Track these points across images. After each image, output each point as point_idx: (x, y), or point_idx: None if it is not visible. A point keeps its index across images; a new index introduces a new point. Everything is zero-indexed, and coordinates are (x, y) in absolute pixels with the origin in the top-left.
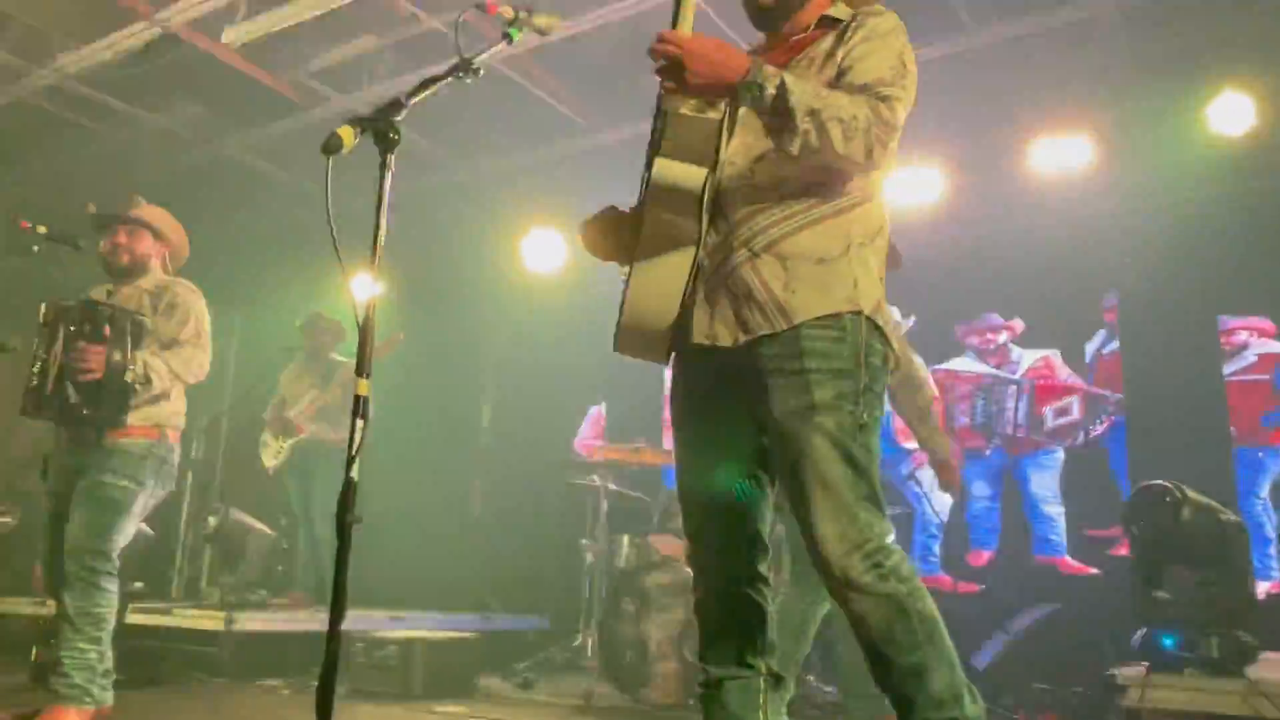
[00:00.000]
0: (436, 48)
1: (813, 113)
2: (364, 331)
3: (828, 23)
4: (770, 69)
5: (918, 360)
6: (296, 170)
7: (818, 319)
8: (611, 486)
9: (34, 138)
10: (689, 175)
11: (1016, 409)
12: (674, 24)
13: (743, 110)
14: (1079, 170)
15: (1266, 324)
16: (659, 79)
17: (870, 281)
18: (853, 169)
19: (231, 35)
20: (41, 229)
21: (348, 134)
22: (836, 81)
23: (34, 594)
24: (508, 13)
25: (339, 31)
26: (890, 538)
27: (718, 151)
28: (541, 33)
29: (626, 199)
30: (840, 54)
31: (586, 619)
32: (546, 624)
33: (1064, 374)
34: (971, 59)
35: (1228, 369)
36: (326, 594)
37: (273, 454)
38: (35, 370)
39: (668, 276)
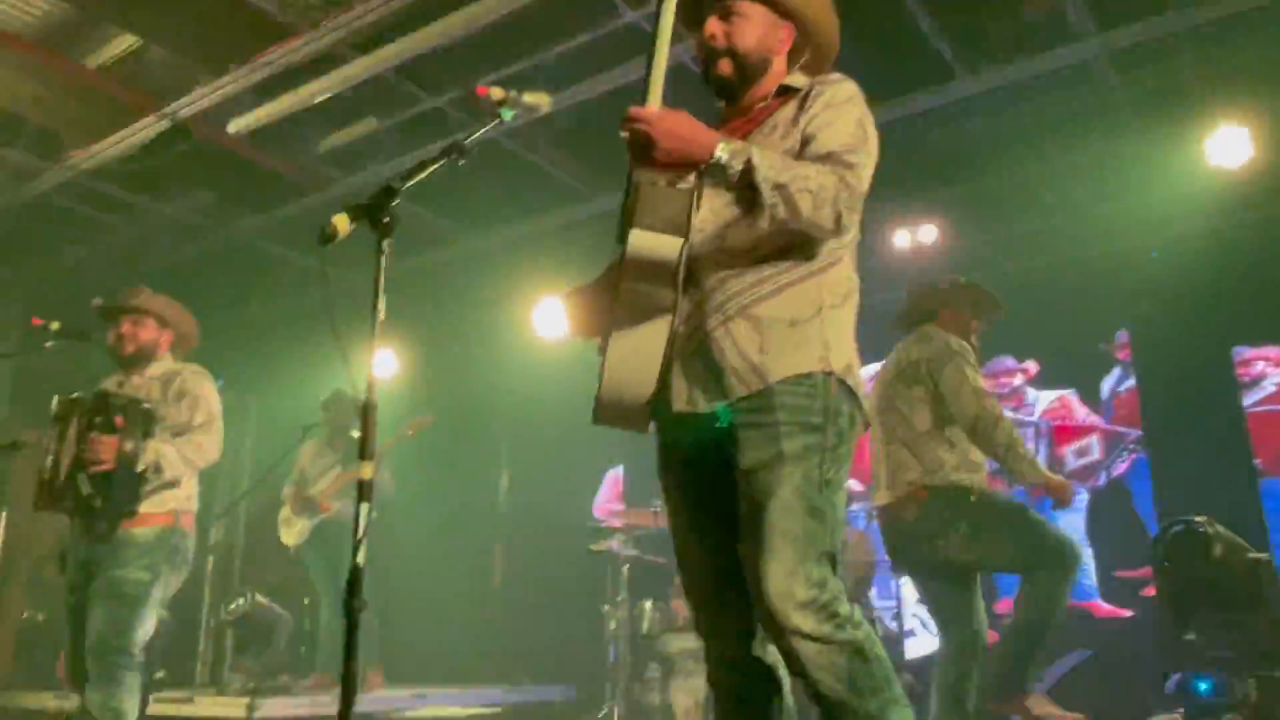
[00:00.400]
0: (439, 126)
1: (779, 186)
2: (367, 413)
3: (786, 91)
4: (738, 145)
5: (956, 371)
6: (306, 251)
7: (790, 377)
8: (631, 551)
9: (48, 234)
10: (664, 246)
11: (1036, 451)
12: (644, 98)
13: None
14: (1084, 209)
15: None
16: (628, 154)
17: (841, 343)
18: (823, 235)
19: (238, 124)
20: (53, 325)
21: (342, 222)
22: (800, 149)
23: (57, 687)
24: (496, 94)
25: (342, 115)
26: (841, 592)
27: (690, 221)
28: (532, 111)
29: None
30: (802, 122)
31: (613, 687)
32: (573, 693)
33: (1081, 414)
34: (966, 105)
35: (1247, 400)
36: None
37: (295, 533)
38: (48, 464)
39: (644, 347)
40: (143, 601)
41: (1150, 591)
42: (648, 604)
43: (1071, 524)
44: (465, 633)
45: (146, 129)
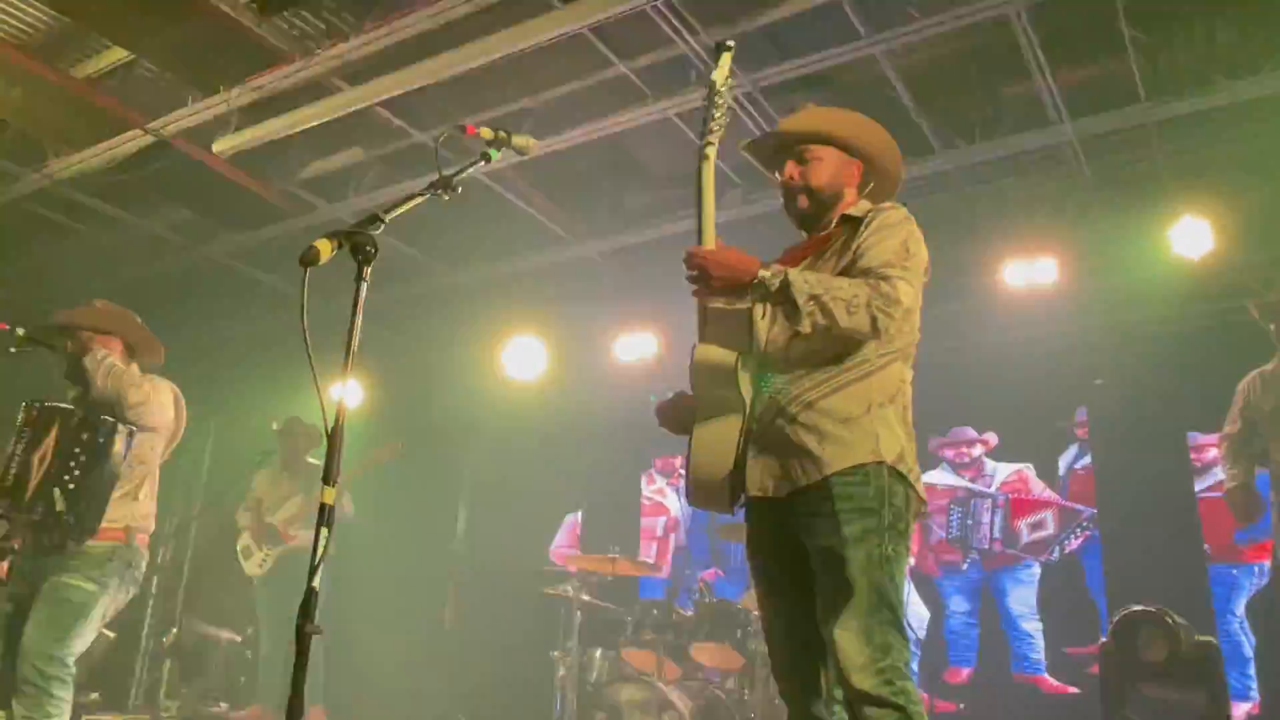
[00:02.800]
0: (422, 160)
1: (814, 297)
2: (333, 438)
3: (847, 220)
4: (777, 268)
5: None
6: (279, 275)
7: (844, 469)
8: (585, 597)
9: (20, 239)
10: (723, 356)
11: (993, 523)
12: (699, 240)
13: None
14: (1047, 288)
15: None
16: (691, 285)
17: (891, 435)
18: (865, 338)
19: (222, 145)
20: (19, 330)
21: (325, 247)
22: (850, 266)
23: None
24: (486, 134)
25: (327, 143)
26: (905, 661)
27: (751, 335)
28: (519, 153)
29: (604, 308)
30: (855, 245)
31: None
32: None
33: (1038, 488)
34: (940, 181)
35: (1198, 485)
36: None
37: (257, 563)
38: (11, 471)
39: (721, 438)
40: (85, 611)
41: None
42: (598, 652)
43: (1022, 597)
44: (412, 670)
45: (129, 143)
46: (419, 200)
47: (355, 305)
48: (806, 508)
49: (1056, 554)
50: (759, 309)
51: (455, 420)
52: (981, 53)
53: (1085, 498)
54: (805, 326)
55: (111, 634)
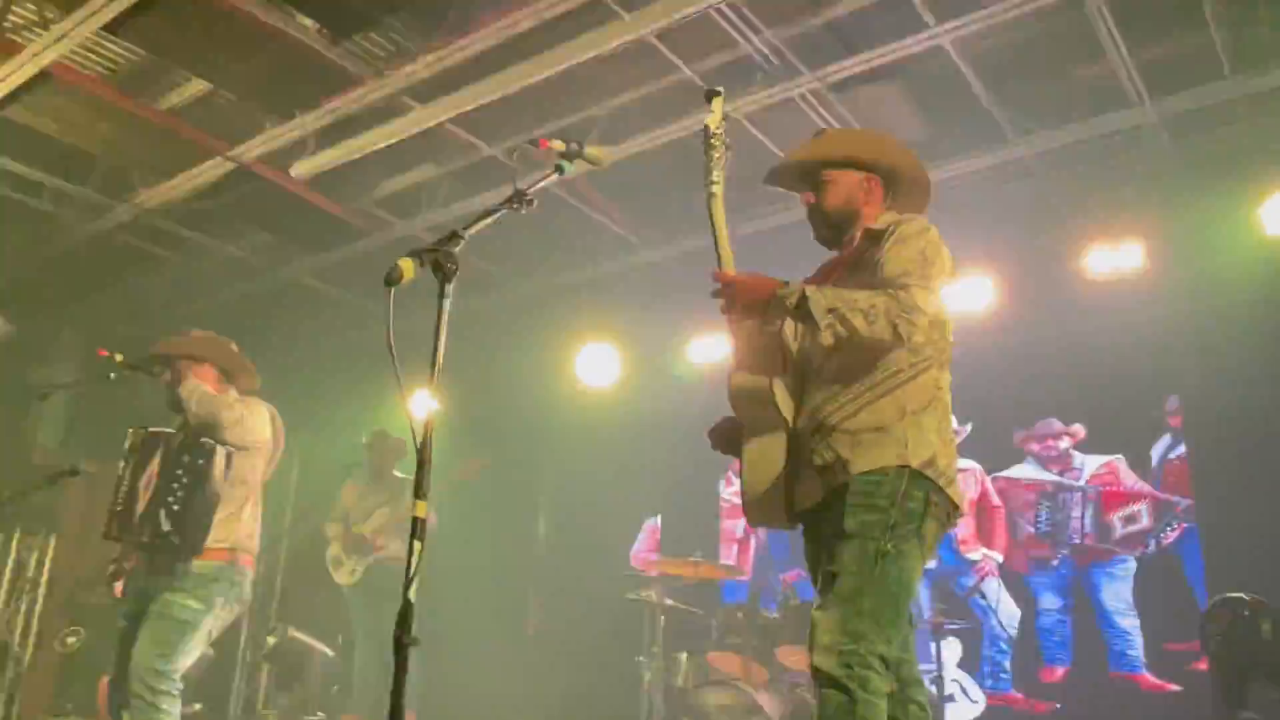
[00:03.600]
0: (492, 174)
1: (832, 310)
2: (422, 452)
3: (870, 234)
4: (796, 285)
5: None
6: (358, 293)
7: (866, 471)
8: (668, 602)
9: (112, 269)
10: (756, 382)
11: (1083, 517)
12: (719, 264)
13: None
14: (1133, 274)
15: None
16: (719, 306)
17: (922, 441)
18: (888, 346)
19: (300, 168)
20: (118, 357)
21: (408, 266)
22: (873, 281)
23: (97, 715)
24: (559, 146)
25: (399, 161)
26: (880, 654)
27: (784, 355)
28: (594, 164)
29: (677, 312)
30: (877, 258)
31: None
32: None
33: (1130, 480)
34: (1018, 169)
35: None
36: (381, 716)
37: (347, 572)
38: (122, 494)
39: (768, 457)
40: (191, 628)
41: (1200, 665)
42: (683, 656)
43: (1117, 593)
44: (498, 678)
45: (212, 170)
46: (497, 215)
47: (439, 322)
48: (830, 508)
49: (1152, 547)
50: (789, 329)
51: (532, 429)
52: (1054, 35)
53: (1181, 488)
54: (827, 339)
55: (211, 651)
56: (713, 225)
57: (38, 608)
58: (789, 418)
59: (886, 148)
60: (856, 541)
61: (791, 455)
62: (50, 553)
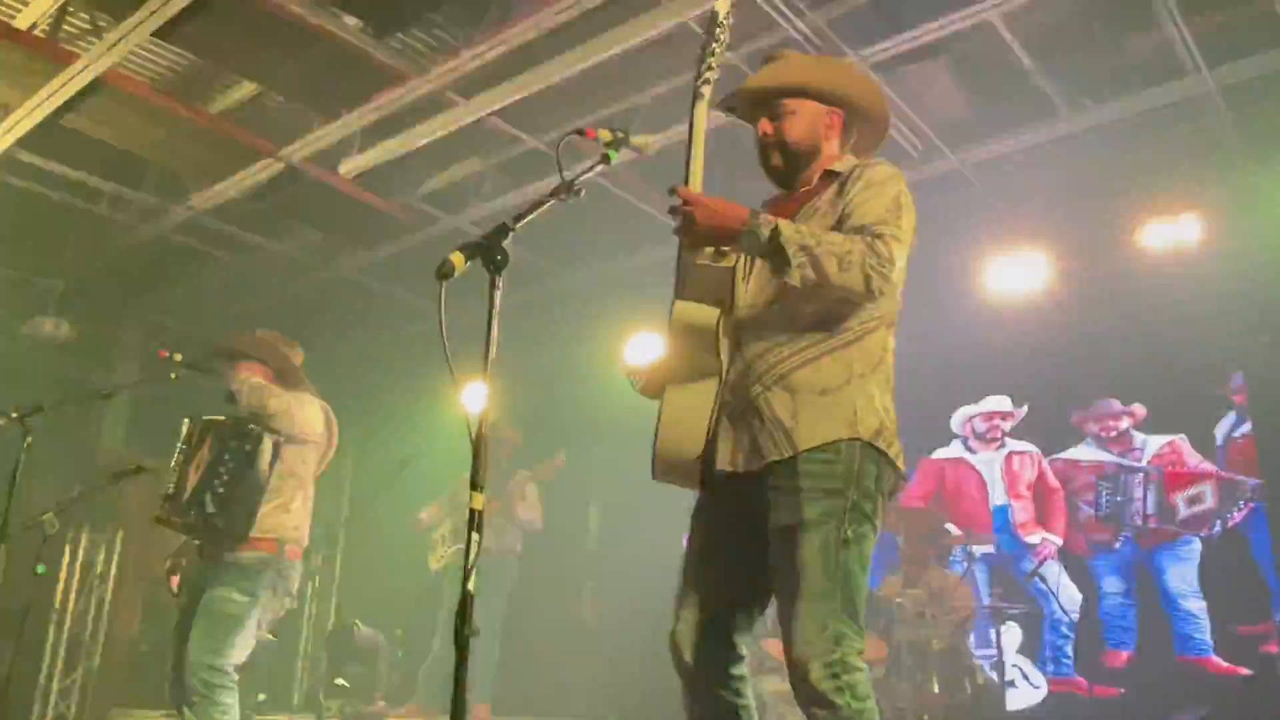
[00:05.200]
0: (536, 166)
1: (804, 248)
2: (477, 445)
3: (830, 176)
4: (766, 217)
5: None
6: (407, 288)
7: (815, 447)
8: None
9: (170, 269)
10: (704, 315)
11: (1145, 498)
12: (685, 180)
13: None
14: (1191, 248)
15: None
16: (674, 229)
17: (870, 408)
18: (857, 298)
19: (348, 166)
20: (178, 357)
21: (459, 260)
22: (838, 226)
23: (167, 707)
24: (605, 136)
25: (445, 156)
26: (859, 650)
27: (732, 295)
28: (639, 152)
29: None
30: (841, 203)
31: None
32: None
33: (1193, 459)
34: (1071, 144)
35: None
36: (447, 704)
37: (437, 557)
38: (173, 479)
39: (694, 408)
40: (239, 622)
41: (1272, 648)
42: None
43: (1182, 575)
44: (556, 669)
45: (262, 171)
46: (545, 207)
47: (490, 315)
48: (774, 483)
49: (1218, 528)
50: (740, 268)
51: (581, 420)
52: (1105, 6)
53: (1247, 467)
54: (794, 279)
55: (273, 636)
56: (691, 130)
57: (106, 603)
58: (724, 364)
59: (852, 80)
60: (818, 531)
61: (718, 409)
62: (117, 549)
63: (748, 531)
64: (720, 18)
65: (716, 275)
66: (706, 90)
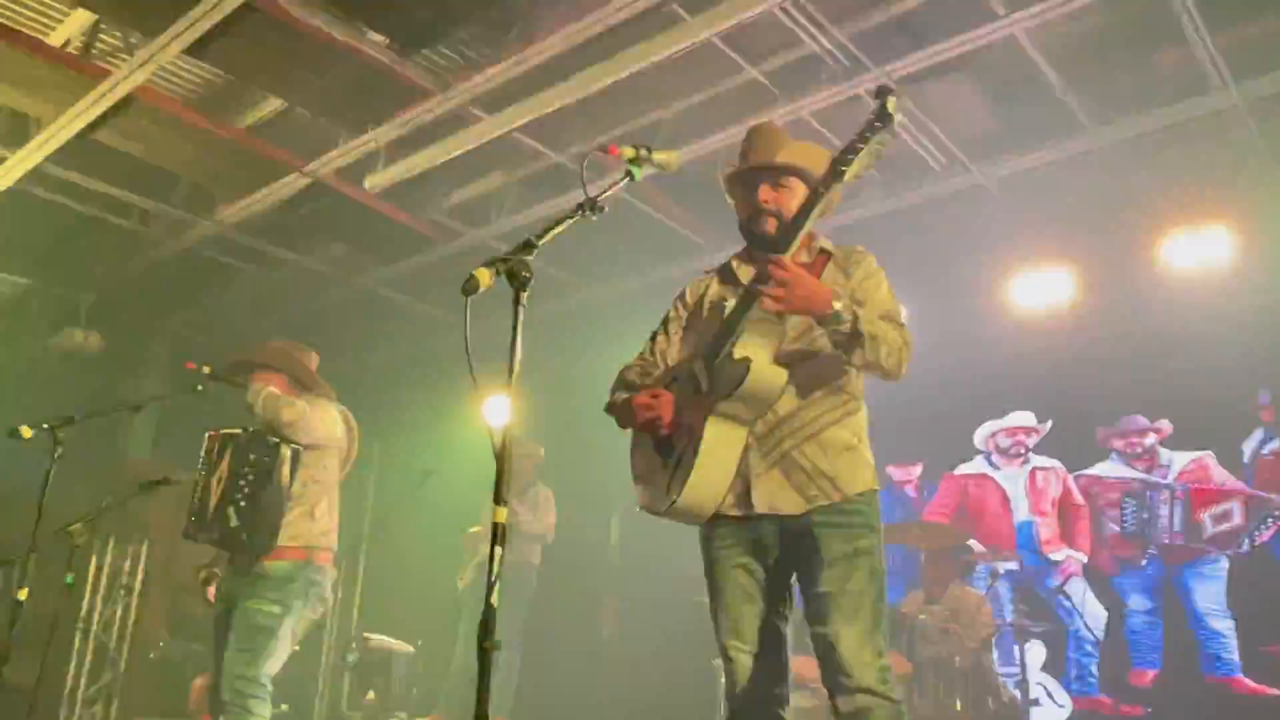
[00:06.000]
0: (559, 180)
1: (874, 337)
2: (500, 459)
3: (824, 254)
4: (846, 301)
5: None
6: (431, 302)
7: (861, 492)
8: None
9: (199, 283)
10: (780, 378)
11: (1172, 515)
12: (778, 245)
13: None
14: (1218, 264)
15: None
16: (766, 293)
17: (872, 467)
18: (887, 379)
19: (373, 180)
20: (206, 369)
21: (484, 275)
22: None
23: (189, 715)
24: (628, 153)
25: (469, 171)
26: (889, 666)
27: (774, 350)
28: (662, 169)
29: None
30: (851, 285)
31: None
32: None
33: (1220, 476)
34: (1096, 158)
35: None
36: (468, 716)
37: (463, 578)
38: (196, 495)
39: (724, 461)
40: (272, 633)
41: None
42: None
43: (1210, 594)
44: (575, 682)
45: (289, 185)
46: (569, 223)
47: (515, 330)
48: (820, 519)
49: (1246, 546)
50: (791, 330)
51: (602, 433)
52: (1130, 21)
53: (1276, 485)
54: (858, 361)
55: (296, 648)
56: (810, 202)
57: (132, 612)
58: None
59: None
60: (866, 562)
61: (744, 454)
62: (143, 559)
63: (774, 566)
64: (890, 110)
65: (771, 332)
66: (846, 173)
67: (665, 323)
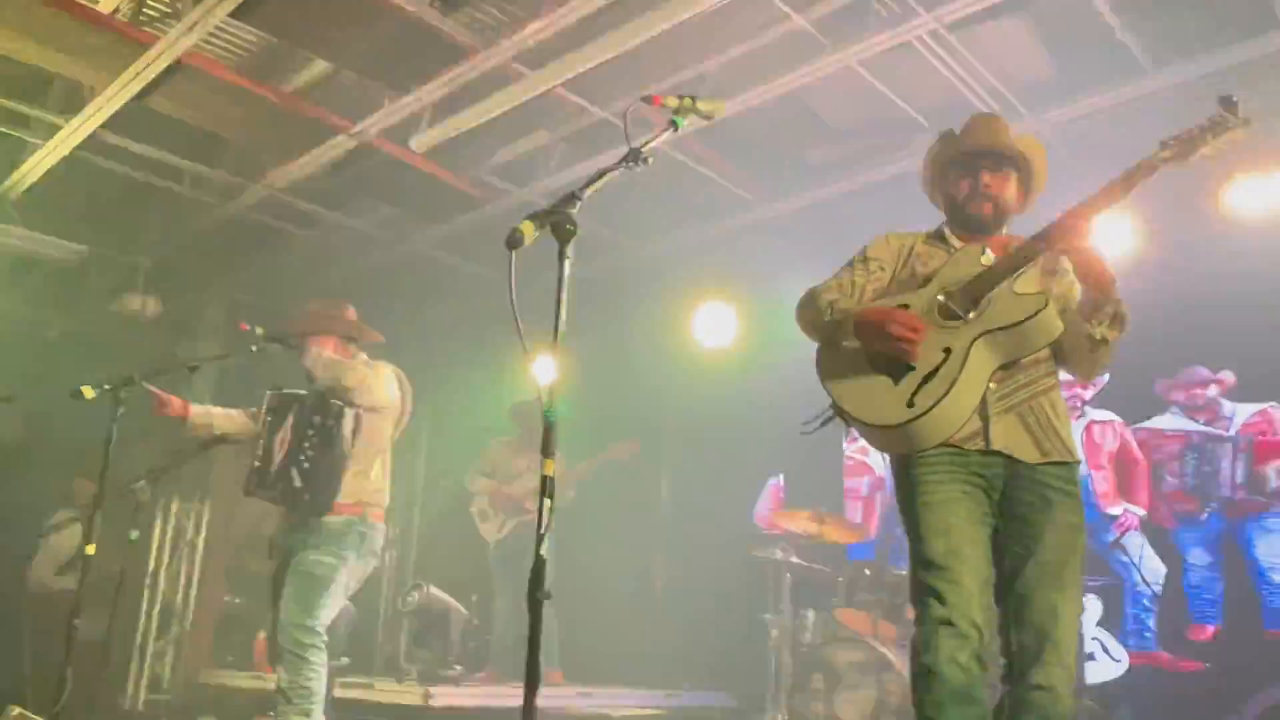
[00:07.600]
0: (604, 137)
1: (1108, 342)
2: (548, 415)
3: (1032, 244)
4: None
5: None
6: (478, 261)
7: (1075, 460)
8: (794, 559)
9: (250, 246)
10: (1059, 323)
11: (1234, 469)
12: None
13: None
14: None
15: None
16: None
17: None
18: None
19: (420, 141)
20: (259, 330)
21: (529, 229)
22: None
23: (253, 668)
24: (672, 102)
25: (513, 129)
26: None
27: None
28: (706, 118)
29: (793, 271)
30: (1049, 282)
31: (774, 696)
32: (732, 701)
33: None
34: (1156, 101)
35: None
36: (519, 671)
37: (495, 527)
38: (259, 453)
39: (975, 389)
40: (328, 583)
41: None
42: (810, 614)
43: (1273, 548)
44: (626, 635)
45: (336, 148)
46: (612, 175)
47: (560, 284)
48: (1053, 480)
49: None
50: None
51: (651, 391)
52: None
53: None
54: (1098, 348)
55: (353, 606)
56: (1122, 182)
57: (196, 569)
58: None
59: (1043, 168)
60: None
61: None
62: (205, 517)
63: (993, 509)
64: (1236, 105)
65: (1048, 294)
66: (1166, 156)
67: (865, 260)
